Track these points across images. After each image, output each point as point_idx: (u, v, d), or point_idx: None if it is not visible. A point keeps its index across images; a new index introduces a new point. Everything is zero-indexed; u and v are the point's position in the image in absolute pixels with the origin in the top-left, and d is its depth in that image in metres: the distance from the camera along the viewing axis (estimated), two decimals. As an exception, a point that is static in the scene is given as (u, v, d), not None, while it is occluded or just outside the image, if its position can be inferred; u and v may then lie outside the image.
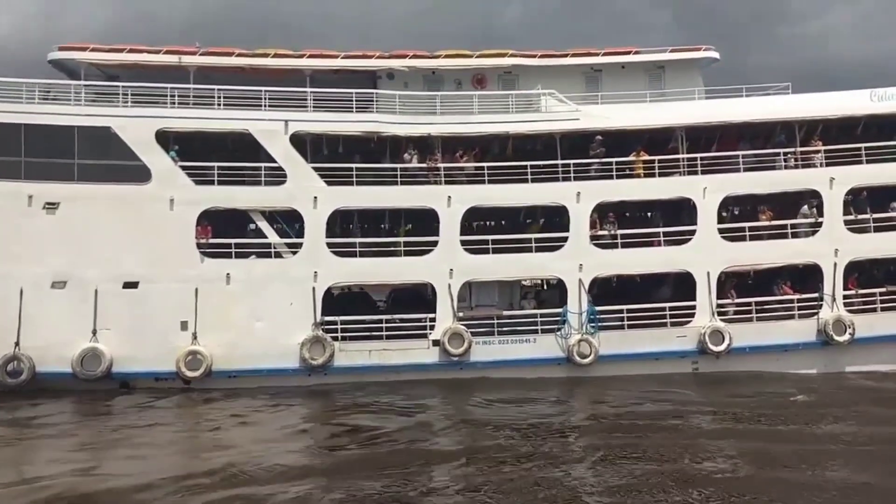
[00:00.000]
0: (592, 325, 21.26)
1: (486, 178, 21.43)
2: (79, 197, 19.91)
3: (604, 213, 21.89)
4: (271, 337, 20.14)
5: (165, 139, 20.60)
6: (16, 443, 15.61)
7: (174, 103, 20.85)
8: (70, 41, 22.50)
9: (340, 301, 22.13)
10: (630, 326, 21.34)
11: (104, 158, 20.16)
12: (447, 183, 21.52)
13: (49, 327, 19.41)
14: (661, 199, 22.48)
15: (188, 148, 21.12)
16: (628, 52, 23.55)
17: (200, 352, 19.88)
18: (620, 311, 21.42)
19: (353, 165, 21.02)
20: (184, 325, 20.04)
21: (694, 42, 26.32)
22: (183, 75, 21.74)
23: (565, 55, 23.36)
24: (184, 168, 20.55)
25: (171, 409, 18.67)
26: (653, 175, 21.91)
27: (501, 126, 21.83)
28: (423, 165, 21.37)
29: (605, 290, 22.81)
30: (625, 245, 21.74)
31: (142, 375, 19.97)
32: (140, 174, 20.28)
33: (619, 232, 21.76)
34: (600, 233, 21.75)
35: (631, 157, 21.95)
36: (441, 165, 21.40)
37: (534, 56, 23.21)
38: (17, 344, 19.27)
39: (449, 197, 21.16)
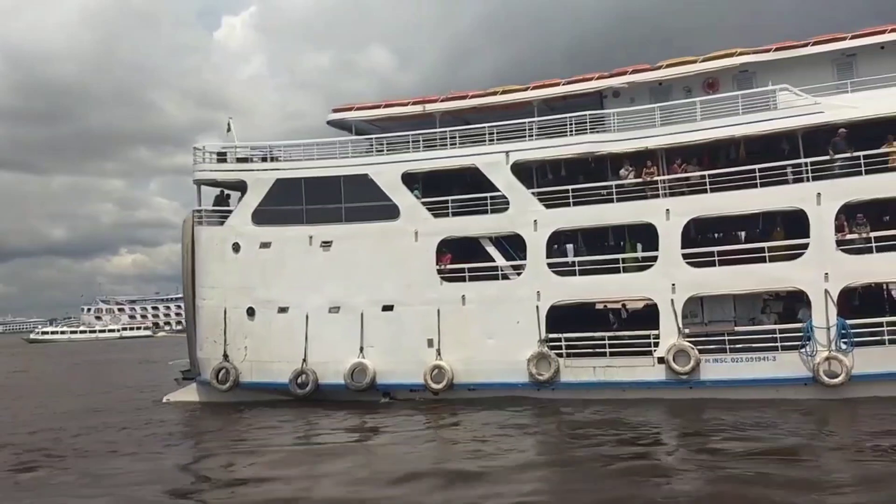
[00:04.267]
0: (845, 340, 18.97)
1: (709, 186, 20.46)
2: (346, 235, 23.61)
3: (852, 215, 19.41)
4: (502, 353, 21.61)
5: (410, 180, 23.43)
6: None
7: (418, 147, 23.65)
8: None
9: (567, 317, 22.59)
10: (893, 342, 18.59)
11: (363, 201, 23.60)
12: (671, 195, 21.02)
13: (328, 346, 23.28)
14: None
15: (434, 185, 23.74)
16: (883, 32, 20.51)
17: (443, 366, 22.14)
18: (880, 325, 18.78)
19: (570, 187, 21.66)
20: (430, 343, 22.47)
21: None
22: (431, 121, 24.52)
23: (806, 44, 21.20)
24: (424, 203, 23.17)
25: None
26: (913, 166, 18.87)
27: (727, 130, 20.66)
28: (639, 181, 21.14)
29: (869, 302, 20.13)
30: (881, 249, 19.00)
31: (399, 387, 22.84)
32: (391, 212, 23.35)
33: (873, 234, 19.10)
34: (849, 237, 19.34)
35: (883, 149, 19.17)
36: (657, 178, 20.99)
37: (768, 50, 21.49)
38: (304, 360, 23.45)
39: (667, 210, 20.67)
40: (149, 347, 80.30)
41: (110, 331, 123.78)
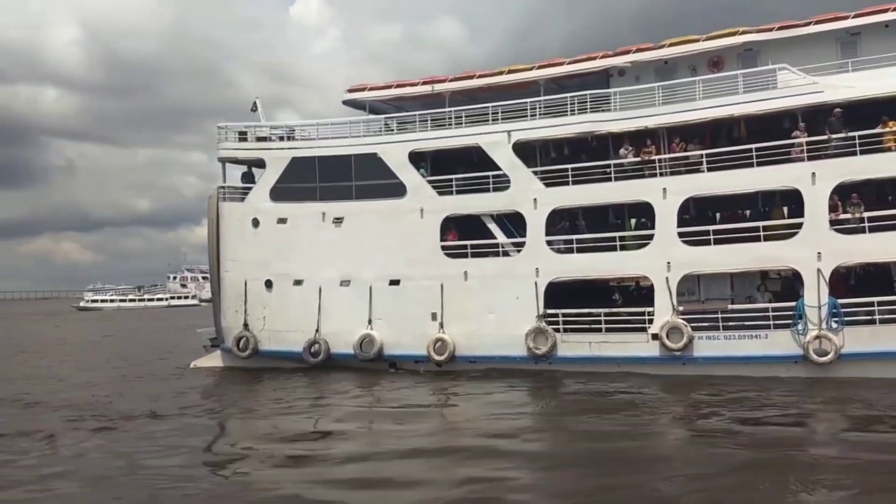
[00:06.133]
0: (835, 320, 19.10)
1: (706, 165, 20.63)
2: (356, 212, 24.53)
3: (846, 195, 19.41)
4: (501, 327, 22.31)
5: (417, 158, 24.14)
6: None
7: (426, 127, 24.30)
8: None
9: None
10: (884, 321, 18.66)
11: (372, 179, 24.44)
12: (671, 174, 21.25)
13: (338, 317, 24.36)
14: None
15: (441, 164, 24.40)
16: (887, 10, 20.19)
17: (446, 339, 22.96)
18: (871, 304, 18.86)
19: (569, 166, 22.06)
20: (434, 316, 23.30)
21: None
22: (440, 101, 25.10)
23: (809, 23, 21.05)
24: (430, 182, 23.87)
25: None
26: (908, 147, 18.74)
27: (725, 109, 20.75)
28: (637, 160, 21.41)
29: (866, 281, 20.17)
30: (874, 230, 18.98)
31: (404, 358, 23.79)
32: (398, 190, 24.14)
33: (867, 214, 19.08)
34: (843, 216, 19.36)
35: (878, 130, 19.07)
36: (655, 158, 21.23)
37: (771, 29, 21.40)
38: (317, 330, 24.58)
39: (664, 189, 20.93)
40: (199, 316, 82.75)
41: (158, 300, 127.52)
